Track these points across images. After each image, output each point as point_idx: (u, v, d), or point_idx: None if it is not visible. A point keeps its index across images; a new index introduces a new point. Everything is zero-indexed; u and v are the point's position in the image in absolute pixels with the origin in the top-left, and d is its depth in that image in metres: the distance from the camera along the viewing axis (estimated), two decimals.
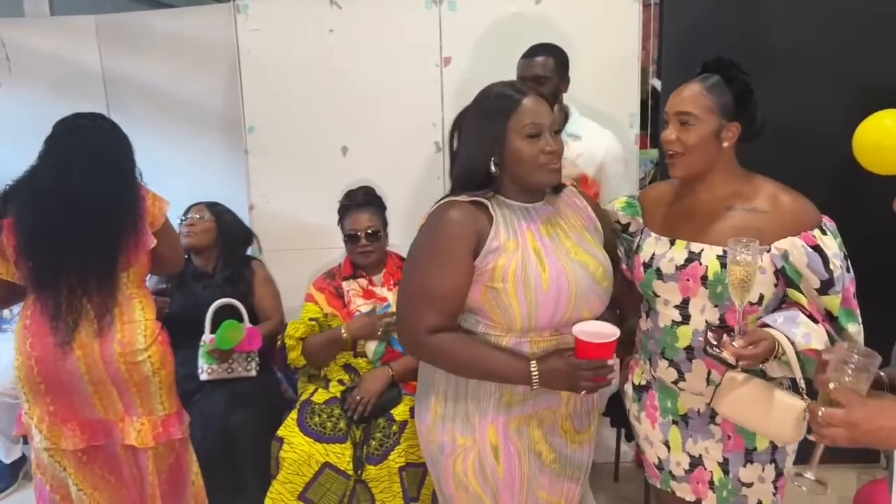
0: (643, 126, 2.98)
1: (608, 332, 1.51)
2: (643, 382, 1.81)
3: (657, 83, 3.16)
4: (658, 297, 1.69)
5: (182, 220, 2.77)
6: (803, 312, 1.56)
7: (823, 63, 2.60)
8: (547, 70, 2.40)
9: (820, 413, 1.13)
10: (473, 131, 1.61)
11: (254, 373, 2.62)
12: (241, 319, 2.62)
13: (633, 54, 2.78)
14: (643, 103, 2.91)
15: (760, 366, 1.57)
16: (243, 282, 2.75)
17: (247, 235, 2.91)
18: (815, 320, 1.56)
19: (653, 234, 1.73)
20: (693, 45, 2.60)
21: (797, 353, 1.50)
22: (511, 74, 2.38)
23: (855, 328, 1.58)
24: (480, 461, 1.67)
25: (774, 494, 1.70)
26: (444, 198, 1.65)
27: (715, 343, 1.52)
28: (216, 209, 2.86)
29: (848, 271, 1.59)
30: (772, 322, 1.53)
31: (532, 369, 1.54)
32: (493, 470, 1.67)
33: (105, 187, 2.08)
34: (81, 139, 2.11)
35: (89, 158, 2.07)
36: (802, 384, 1.52)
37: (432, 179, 2.89)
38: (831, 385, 1.10)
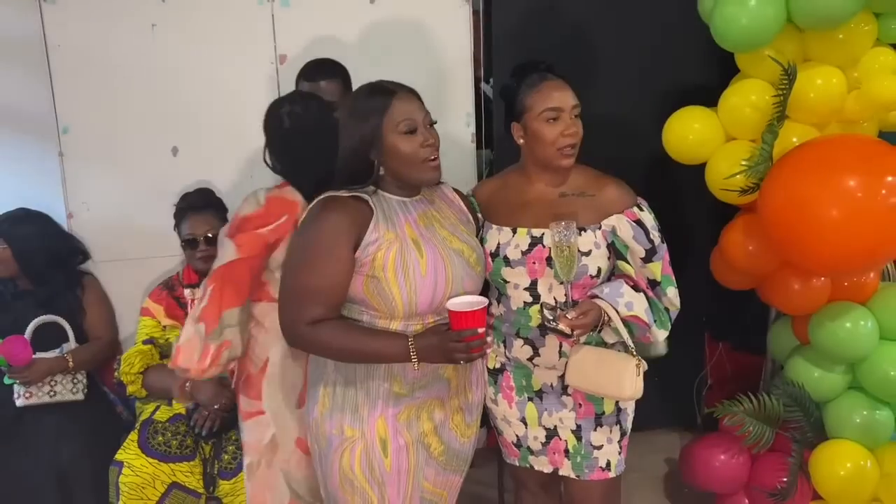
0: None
1: (477, 301, 1.59)
2: (497, 366, 1.89)
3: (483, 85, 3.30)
4: (508, 282, 1.79)
5: None
6: (628, 283, 1.75)
7: (635, 67, 2.86)
8: (335, 96, 2.20)
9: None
10: (349, 131, 1.66)
11: (81, 396, 2.40)
12: (66, 338, 2.40)
13: (466, 54, 2.89)
14: None
15: (600, 335, 1.73)
16: (70, 299, 2.47)
17: (71, 247, 2.55)
18: (638, 290, 1.74)
19: (494, 226, 1.83)
20: (522, 49, 2.75)
21: (622, 319, 1.68)
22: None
23: (672, 291, 1.79)
24: (368, 454, 1.67)
25: (619, 453, 1.86)
26: (324, 193, 1.67)
27: (551, 318, 1.66)
28: (7, 229, 2.44)
29: (663, 242, 1.80)
30: (599, 293, 1.71)
31: (410, 345, 1.59)
32: (380, 463, 1.68)
33: None
34: None
35: None
36: (631, 344, 1.71)
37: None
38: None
